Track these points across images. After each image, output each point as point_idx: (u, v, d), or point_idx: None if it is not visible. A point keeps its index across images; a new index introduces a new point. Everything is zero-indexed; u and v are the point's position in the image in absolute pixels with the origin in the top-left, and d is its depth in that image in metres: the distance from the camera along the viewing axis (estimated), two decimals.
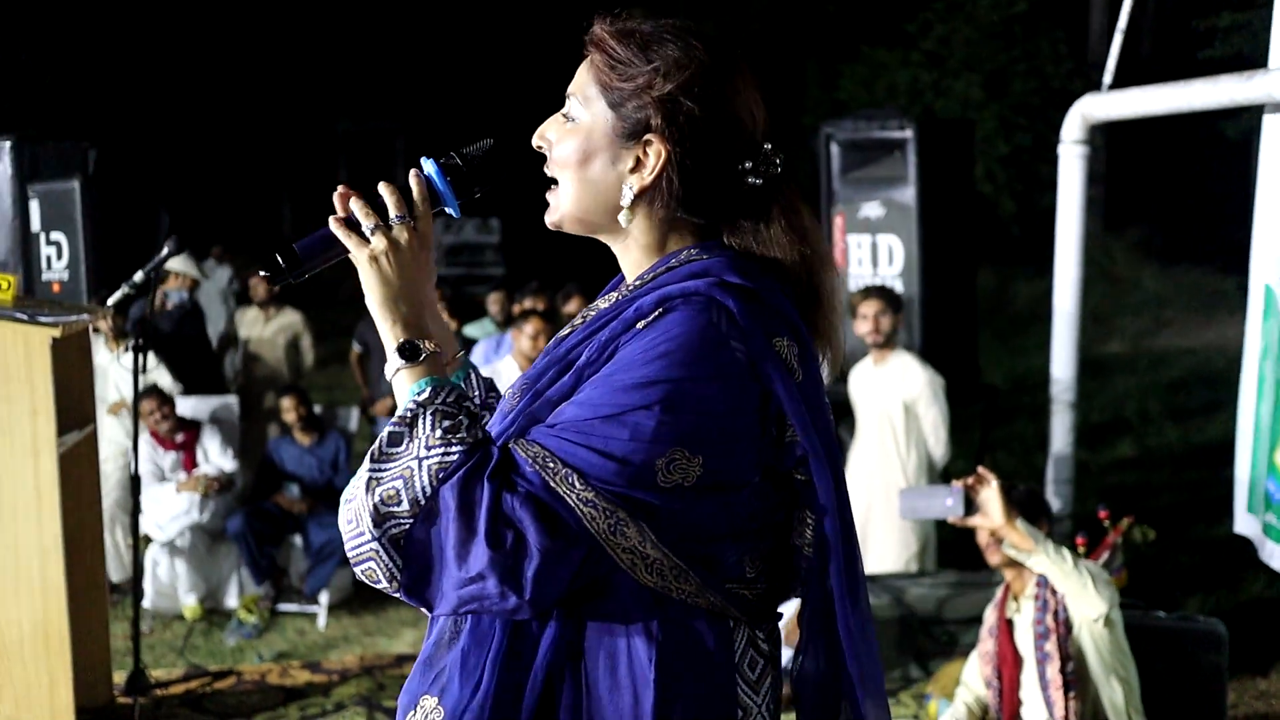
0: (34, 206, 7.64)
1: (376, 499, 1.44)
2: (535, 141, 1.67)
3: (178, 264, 7.90)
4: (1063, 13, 15.49)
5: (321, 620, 6.42)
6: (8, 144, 7.61)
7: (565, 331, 1.65)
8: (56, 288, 7.68)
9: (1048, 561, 3.70)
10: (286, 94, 18.56)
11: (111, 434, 6.90)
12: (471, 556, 1.42)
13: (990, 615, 4.06)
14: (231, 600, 6.58)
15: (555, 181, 1.66)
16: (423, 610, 1.52)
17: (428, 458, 1.45)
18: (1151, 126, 11.94)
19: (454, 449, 1.45)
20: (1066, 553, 3.72)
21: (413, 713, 1.59)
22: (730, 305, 1.51)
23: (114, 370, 6.84)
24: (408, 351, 1.56)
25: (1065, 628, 3.79)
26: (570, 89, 1.65)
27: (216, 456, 6.76)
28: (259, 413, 7.96)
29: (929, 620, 5.24)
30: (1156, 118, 5.61)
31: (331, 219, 1.61)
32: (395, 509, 1.44)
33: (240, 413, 7.44)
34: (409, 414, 1.49)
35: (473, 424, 1.49)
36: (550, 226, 1.67)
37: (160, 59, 17.62)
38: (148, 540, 6.48)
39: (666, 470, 1.45)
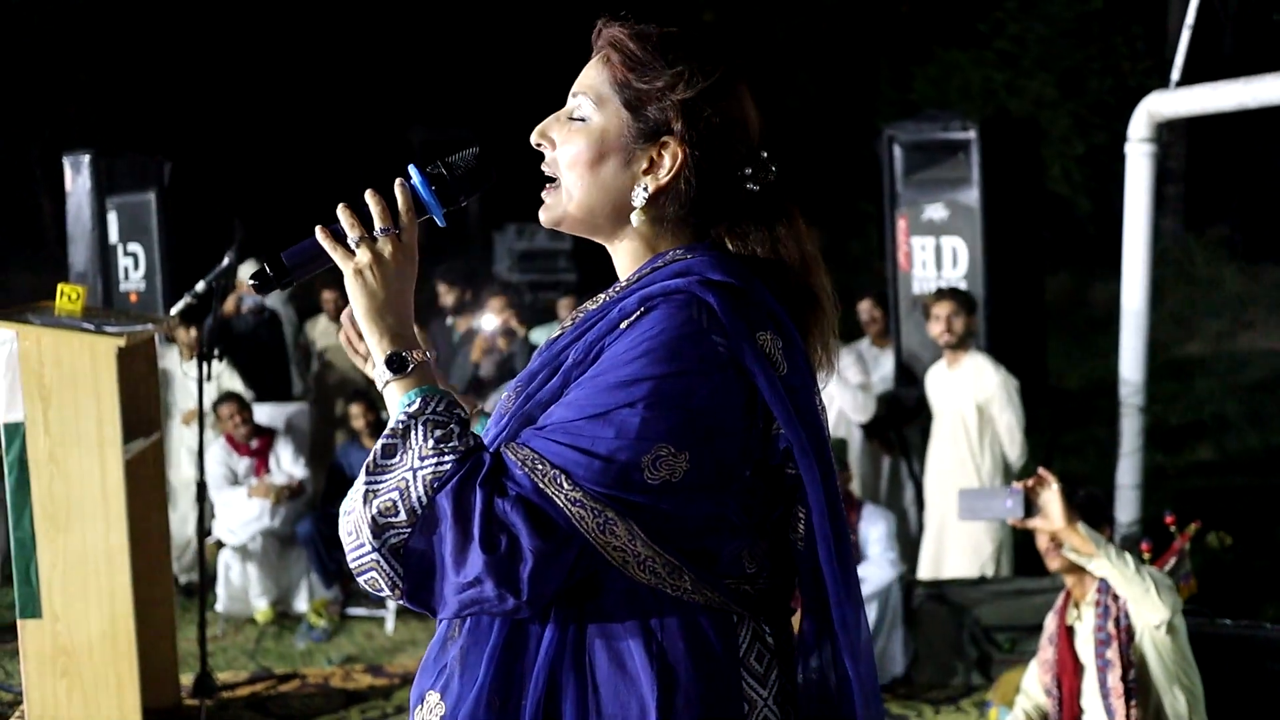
0: (112, 218, 7.84)
1: (374, 510, 1.47)
2: (534, 139, 1.68)
3: (248, 272, 8.03)
4: (1140, 9, 15.23)
5: (389, 624, 6.48)
6: (86, 158, 7.82)
7: (556, 333, 1.66)
8: (134, 298, 7.87)
9: (1109, 566, 3.64)
10: (360, 102, 18.80)
11: (190, 443, 7.02)
12: (468, 562, 1.45)
13: (1050, 622, 4.00)
14: (301, 604, 6.66)
15: (550, 180, 1.67)
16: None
17: (422, 468, 1.47)
18: (1232, 123, 11.71)
19: (447, 458, 1.47)
20: (1129, 557, 3.66)
21: (420, 707, 1.63)
22: (711, 301, 1.53)
23: (190, 380, 6.96)
24: (396, 363, 1.57)
25: (1127, 635, 3.72)
26: (577, 89, 1.66)
27: (289, 464, 6.85)
28: (330, 419, 8.06)
29: (992, 627, 5.18)
30: (1237, 113, 5.50)
31: (317, 229, 1.63)
32: (394, 519, 1.47)
33: (313, 419, 7.54)
34: (401, 425, 1.51)
35: (464, 431, 1.52)
36: (547, 225, 1.67)
37: (234, 71, 17.93)
38: (219, 545, 6.58)
39: (653, 467, 1.47)
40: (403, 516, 1.46)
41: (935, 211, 6.37)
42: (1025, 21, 15.42)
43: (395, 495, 1.47)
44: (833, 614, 1.59)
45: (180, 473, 6.97)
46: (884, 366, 6.91)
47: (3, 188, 17.22)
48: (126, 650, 4.15)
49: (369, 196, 1.63)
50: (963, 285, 6.22)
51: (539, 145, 1.68)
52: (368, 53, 18.68)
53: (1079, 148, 15.04)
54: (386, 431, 1.52)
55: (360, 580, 1.50)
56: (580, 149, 1.63)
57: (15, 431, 4.09)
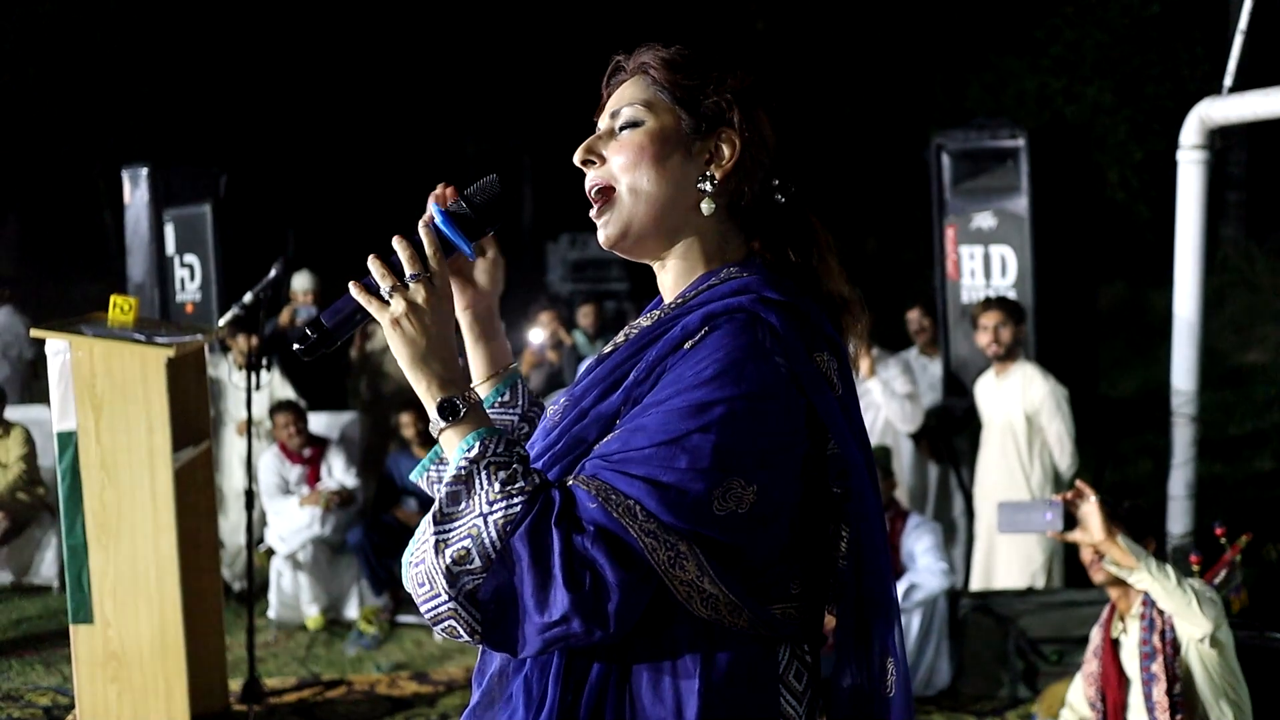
0: (169, 230, 7.98)
1: (448, 560, 1.46)
2: (579, 158, 1.68)
3: (303, 282, 8.13)
4: (1199, 14, 15.02)
5: (439, 632, 6.52)
6: (144, 171, 7.97)
7: (608, 350, 1.65)
8: (190, 308, 7.99)
9: (1150, 579, 3.60)
10: (414, 115, 18.94)
11: (242, 451, 7.11)
12: (552, 602, 1.44)
13: (1095, 635, 3.96)
14: (352, 611, 6.72)
15: (595, 202, 1.67)
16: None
17: (492, 512, 1.46)
18: None
19: (516, 500, 1.47)
20: (1170, 570, 3.62)
21: None
22: (773, 321, 1.54)
23: (240, 389, 7.05)
24: (448, 410, 1.56)
25: (1172, 648, 3.68)
26: (615, 106, 1.68)
27: (340, 473, 6.92)
28: (383, 429, 8.14)
29: (1038, 639, 5.13)
30: None
31: (351, 284, 1.62)
32: (469, 566, 1.46)
33: (365, 428, 7.62)
34: (463, 471, 1.50)
35: (527, 470, 1.50)
36: (608, 242, 1.66)
37: (287, 85, 18.11)
38: (270, 553, 6.66)
39: (723, 499, 1.47)
40: (477, 563, 1.46)
41: (984, 220, 6.32)
42: (1082, 27, 15.25)
43: (468, 542, 1.46)
44: (875, 629, 1.60)
45: (233, 481, 7.07)
46: (932, 376, 6.88)
47: (67, 200, 17.54)
48: (176, 656, 4.23)
49: (396, 243, 1.61)
50: (1011, 294, 6.17)
51: (585, 164, 1.68)
52: (421, 66, 18.81)
53: (1137, 154, 14.86)
54: (448, 479, 1.51)
55: (437, 630, 1.49)
56: (641, 149, 1.63)
57: (68, 440, 4.18)
